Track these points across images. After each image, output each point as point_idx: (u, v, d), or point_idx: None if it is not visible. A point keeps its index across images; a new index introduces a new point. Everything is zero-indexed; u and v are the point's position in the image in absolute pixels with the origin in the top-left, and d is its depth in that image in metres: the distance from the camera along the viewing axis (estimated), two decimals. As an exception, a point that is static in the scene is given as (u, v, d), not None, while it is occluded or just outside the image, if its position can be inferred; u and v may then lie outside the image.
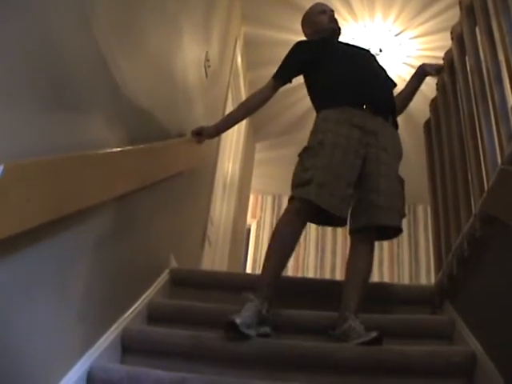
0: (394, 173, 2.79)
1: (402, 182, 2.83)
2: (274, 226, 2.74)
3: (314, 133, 2.83)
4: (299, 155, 2.78)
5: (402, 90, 3.24)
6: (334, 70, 3.01)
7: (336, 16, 3.32)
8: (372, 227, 2.71)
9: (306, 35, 3.37)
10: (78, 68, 1.80)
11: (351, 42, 3.42)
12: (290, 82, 3.12)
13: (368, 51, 3.28)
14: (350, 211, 2.75)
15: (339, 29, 3.31)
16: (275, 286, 2.55)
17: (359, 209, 2.74)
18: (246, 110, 3.26)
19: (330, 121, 2.80)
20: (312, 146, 2.76)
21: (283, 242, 2.62)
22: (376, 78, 3.00)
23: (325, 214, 2.65)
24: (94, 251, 2.06)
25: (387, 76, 3.17)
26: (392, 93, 3.08)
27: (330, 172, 2.63)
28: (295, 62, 3.14)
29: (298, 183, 2.67)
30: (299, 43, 3.20)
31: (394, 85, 3.21)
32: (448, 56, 3.05)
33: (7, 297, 1.45)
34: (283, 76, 3.13)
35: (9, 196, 1.31)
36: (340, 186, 2.62)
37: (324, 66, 3.03)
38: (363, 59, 3.11)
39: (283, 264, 2.62)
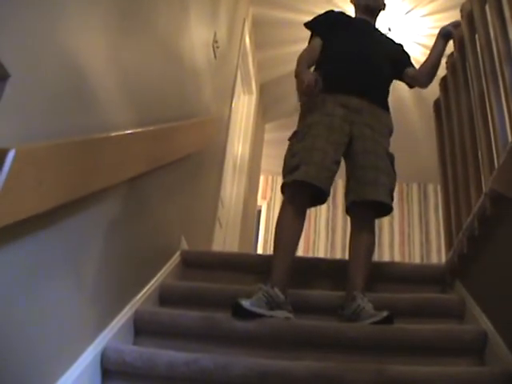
0: (381, 149, 2.80)
1: (391, 158, 2.85)
2: (284, 206, 2.75)
3: (302, 117, 2.90)
4: (289, 139, 2.84)
5: (427, 58, 3.15)
6: (329, 57, 3.01)
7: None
8: (364, 204, 2.72)
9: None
10: (86, 51, 1.80)
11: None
12: (326, 36, 3.11)
13: (391, 40, 3.27)
14: (344, 190, 2.83)
15: (375, 8, 3.21)
16: (288, 273, 2.58)
17: (349, 186, 2.79)
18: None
19: (316, 101, 2.84)
20: (300, 129, 2.83)
21: (285, 235, 2.65)
22: (370, 67, 2.96)
23: (311, 195, 2.71)
24: (106, 234, 2.07)
25: (397, 57, 3.17)
26: (385, 79, 3.06)
27: (316, 151, 2.67)
28: (324, 16, 3.21)
29: (287, 171, 2.71)
30: (330, 10, 3.27)
31: (408, 63, 3.20)
32: (458, 34, 3.03)
33: (21, 279, 1.47)
34: (315, 25, 3.18)
35: (21, 179, 1.32)
36: (326, 162, 2.66)
37: (329, 46, 3.05)
38: (368, 44, 3.06)
39: (291, 254, 2.65)
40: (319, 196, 2.72)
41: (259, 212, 8.45)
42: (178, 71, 3.01)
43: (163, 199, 2.84)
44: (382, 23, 5.65)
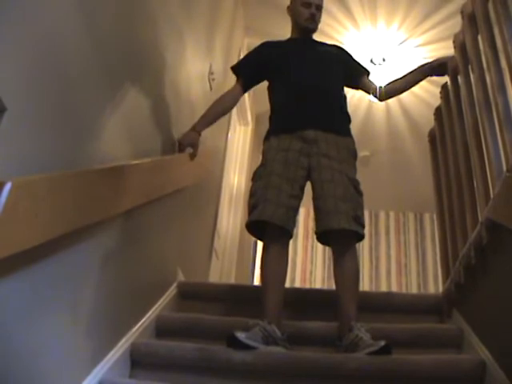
0: (340, 177, 2.75)
1: (354, 184, 2.78)
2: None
3: (262, 157, 2.93)
4: (251, 180, 2.88)
5: (400, 81, 3.17)
6: (281, 94, 3.04)
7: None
8: (332, 233, 2.69)
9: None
10: (83, 83, 1.81)
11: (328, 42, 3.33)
12: (251, 82, 3.19)
13: (331, 52, 3.21)
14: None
15: (314, 30, 3.20)
16: (281, 307, 2.58)
17: (315, 217, 2.78)
18: (222, 110, 3.19)
19: (272, 141, 2.90)
20: (257, 169, 2.88)
21: (271, 274, 2.66)
22: (319, 97, 2.94)
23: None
24: (103, 266, 2.06)
25: (347, 71, 3.15)
26: (337, 103, 3.03)
27: (271, 188, 2.70)
28: (251, 58, 3.25)
29: (248, 212, 2.77)
30: (262, 43, 3.26)
31: (367, 72, 3.23)
32: (451, 64, 3.06)
33: (17, 312, 1.46)
34: (238, 68, 3.24)
35: (17, 212, 1.32)
36: (281, 199, 2.68)
37: (275, 86, 3.10)
38: (312, 71, 3.02)
39: (281, 290, 2.65)
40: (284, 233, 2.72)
41: (256, 243, 8.41)
42: (173, 103, 3.03)
43: (159, 231, 2.83)
44: (376, 53, 5.71)
